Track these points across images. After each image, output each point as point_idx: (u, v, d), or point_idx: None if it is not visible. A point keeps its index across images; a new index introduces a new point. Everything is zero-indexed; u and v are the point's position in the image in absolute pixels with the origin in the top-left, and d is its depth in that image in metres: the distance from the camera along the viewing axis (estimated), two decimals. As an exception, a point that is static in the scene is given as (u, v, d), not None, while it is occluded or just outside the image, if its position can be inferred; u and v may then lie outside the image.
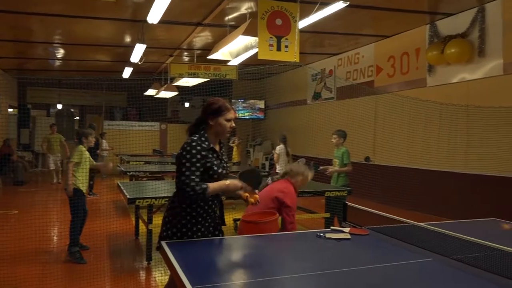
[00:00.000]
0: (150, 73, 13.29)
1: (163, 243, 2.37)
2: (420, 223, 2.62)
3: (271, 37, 4.96)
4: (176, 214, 2.50)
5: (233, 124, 2.60)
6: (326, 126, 9.63)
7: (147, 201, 4.52)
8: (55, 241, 5.79)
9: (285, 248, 2.53)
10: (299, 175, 3.66)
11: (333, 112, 9.83)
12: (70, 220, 4.82)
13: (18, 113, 14.62)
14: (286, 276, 1.96)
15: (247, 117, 15.19)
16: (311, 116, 10.70)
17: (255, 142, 15.14)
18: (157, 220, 3.49)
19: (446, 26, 7.41)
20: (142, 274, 4.48)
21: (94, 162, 5.21)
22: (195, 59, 10.55)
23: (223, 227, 2.70)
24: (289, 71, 12.56)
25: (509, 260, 1.94)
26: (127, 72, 11.56)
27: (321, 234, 2.66)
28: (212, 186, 2.45)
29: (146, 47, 8.00)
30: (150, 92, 12.61)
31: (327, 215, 5.54)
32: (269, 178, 3.98)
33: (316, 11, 5.51)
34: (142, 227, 5.61)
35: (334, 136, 5.97)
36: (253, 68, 9.72)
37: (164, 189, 5.22)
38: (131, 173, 8.15)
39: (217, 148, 2.61)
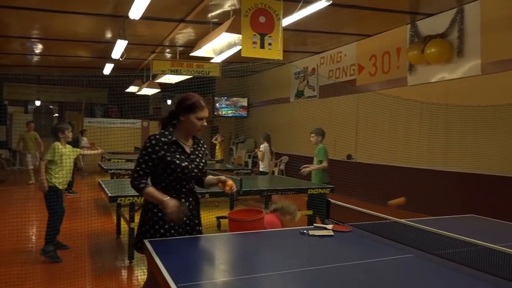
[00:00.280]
0: (132, 70, 13.12)
1: (146, 241, 2.34)
2: (401, 220, 2.66)
3: (254, 35, 4.96)
4: (148, 211, 2.49)
5: (205, 123, 2.53)
6: (309, 124, 9.67)
7: (129, 199, 4.47)
8: (33, 240, 5.66)
9: (269, 245, 2.54)
10: (288, 214, 3.67)
11: (316, 110, 9.89)
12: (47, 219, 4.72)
13: (-6, 109, 14.25)
14: (270, 273, 1.96)
15: (230, 115, 15.16)
16: (294, 114, 10.75)
17: (238, 140, 15.13)
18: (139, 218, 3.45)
19: (426, 26, 7.54)
20: (124, 273, 4.42)
21: (79, 150, 5.09)
22: (177, 56, 10.46)
23: (206, 224, 2.69)
24: (272, 69, 12.59)
25: (488, 255, 1.99)
26: (108, 69, 11.38)
27: (305, 231, 2.68)
28: (151, 191, 2.43)
29: (128, 43, 7.89)
30: (132, 89, 12.46)
31: (310, 212, 5.58)
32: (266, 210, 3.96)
33: (300, 9, 5.52)
34: (123, 226, 5.55)
35: (312, 135, 6.02)
36: (236, 65, 9.70)
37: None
38: (112, 171, 8.04)
39: (189, 143, 2.57)
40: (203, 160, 2.62)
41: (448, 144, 7.00)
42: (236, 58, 7.52)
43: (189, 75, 9.09)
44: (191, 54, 7.14)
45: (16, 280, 3.91)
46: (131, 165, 8.75)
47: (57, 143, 4.79)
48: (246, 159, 13.81)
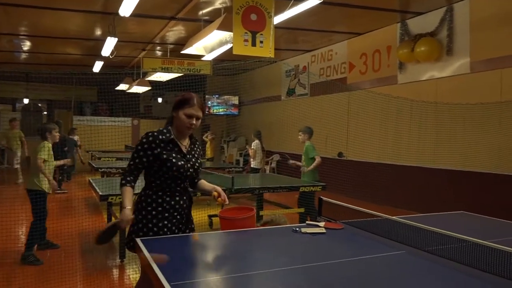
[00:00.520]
0: (122, 68, 13.02)
1: (138, 240, 2.33)
2: (393, 217, 2.69)
3: (246, 32, 4.94)
4: (141, 209, 2.48)
5: (194, 122, 2.47)
6: (300, 122, 9.69)
7: (120, 198, 4.43)
8: (23, 240, 5.59)
9: (261, 243, 2.54)
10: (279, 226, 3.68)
11: (307, 108, 9.92)
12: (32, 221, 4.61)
13: (-18, 107, 14.04)
14: (263, 271, 1.96)
15: (221, 113, 15.12)
16: (285, 112, 10.77)
17: (229, 138, 15.11)
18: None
19: (416, 24, 7.60)
20: (115, 272, 4.40)
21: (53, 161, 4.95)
22: (168, 54, 10.40)
23: (198, 223, 2.69)
24: (264, 67, 12.58)
25: (478, 251, 2.02)
26: (97, 66, 11.27)
27: (297, 229, 2.69)
28: (126, 191, 2.46)
29: (118, 41, 7.82)
30: (122, 87, 12.34)
31: (302, 210, 5.60)
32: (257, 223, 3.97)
33: (291, 7, 5.53)
34: (114, 225, 5.50)
35: (300, 133, 6.05)
36: (227, 63, 9.68)
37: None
38: (102, 169, 7.98)
39: (185, 142, 2.56)
40: (199, 161, 2.62)
41: (438, 141, 7.07)
42: (227, 56, 7.50)
43: (180, 73, 9.03)
44: (182, 52, 7.10)
45: (4, 280, 3.87)
46: (122, 164, 8.72)
47: (46, 142, 4.73)
48: (237, 157, 13.80)
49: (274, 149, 11.76)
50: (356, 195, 7.68)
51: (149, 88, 11.52)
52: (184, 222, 2.58)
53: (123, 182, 2.48)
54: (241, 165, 11.92)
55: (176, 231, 2.52)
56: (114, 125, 14.76)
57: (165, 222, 2.47)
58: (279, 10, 5.55)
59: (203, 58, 7.98)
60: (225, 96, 14.91)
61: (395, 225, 2.57)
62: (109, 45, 8.06)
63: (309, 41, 10.06)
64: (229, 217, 3.12)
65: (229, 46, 5.84)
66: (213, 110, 14.90)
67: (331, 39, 9.70)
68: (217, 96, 14.84)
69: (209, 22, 6.94)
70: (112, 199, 4.46)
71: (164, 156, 2.44)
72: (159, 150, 2.44)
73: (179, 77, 9.70)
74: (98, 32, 9.14)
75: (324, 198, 3.16)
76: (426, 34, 7.27)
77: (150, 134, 2.47)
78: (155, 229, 2.45)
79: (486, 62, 6.39)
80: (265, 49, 5.04)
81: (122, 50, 10.37)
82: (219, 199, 2.59)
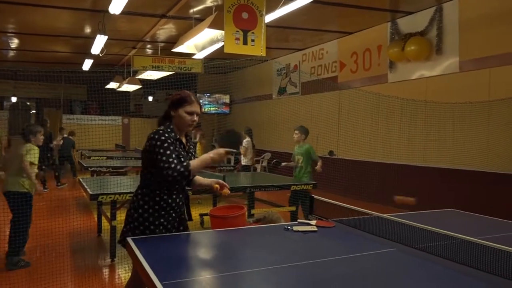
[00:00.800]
0: (112, 66, 12.89)
1: (129, 239, 2.31)
2: (384, 215, 2.70)
3: (237, 31, 4.93)
4: (138, 207, 2.46)
5: (195, 118, 2.52)
6: (291, 120, 9.72)
7: (110, 197, 4.40)
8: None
9: (253, 241, 2.54)
10: (272, 223, 3.67)
11: (298, 106, 9.94)
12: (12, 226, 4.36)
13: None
14: (254, 270, 1.96)
15: (213, 112, 15.09)
16: (277, 110, 10.77)
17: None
18: (121, 216, 3.41)
19: (407, 24, 7.65)
20: (106, 272, 4.37)
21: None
22: (159, 52, 10.33)
23: (189, 222, 2.68)
24: (255, 65, 12.57)
25: (467, 248, 2.04)
26: (87, 64, 11.17)
27: (288, 227, 2.69)
28: (195, 162, 2.42)
29: (108, 39, 7.75)
30: (112, 85, 12.24)
31: (293, 208, 5.61)
32: (249, 219, 3.96)
33: (282, 5, 5.53)
34: (105, 224, 5.47)
35: (296, 132, 5.92)
36: (219, 62, 9.65)
37: (128, 184, 5.10)
38: (92, 168, 7.91)
39: (183, 140, 2.57)
40: (195, 158, 2.64)
41: (427, 140, 7.14)
42: (218, 55, 7.49)
43: (170, 71, 8.99)
44: (173, 50, 7.06)
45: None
46: (112, 163, 8.65)
47: (32, 144, 4.52)
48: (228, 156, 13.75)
49: (265, 147, 11.77)
50: (347, 194, 7.72)
51: (140, 86, 11.45)
52: (178, 220, 2.58)
53: (185, 163, 2.38)
54: (232, 164, 11.90)
55: (172, 229, 2.53)
56: (104, 124, 14.64)
57: (162, 220, 2.47)
58: (270, 9, 5.55)
59: (194, 57, 7.94)
60: (216, 95, 14.88)
61: (386, 223, 2.59)
62: (99, 43, 7.99)
63: (300, 40, 10.08)
64: (220, 215, 3.11)
65: (220, 44, 5.82)
66: (204, 109, 14.85)
67: (322, 38, 9.73)
68: (208, 94, 14.80)
69: (200, 20, 6.91)
70: (102, 198, 4.42)
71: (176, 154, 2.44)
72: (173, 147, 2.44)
73: (169, 75, 9.65)
74: (88, 29, 9.05)
75: (316, 197, 3.17)
76: (416, 33, 7.33)
77: (161, 132, 2.43)
78: (151, 227, 2.44)
79: (475, 62, 6.46)
80: (257, 48, 5.03)
81: (112, 48, 10.28)
82: (224, 190, 2.59)
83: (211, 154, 2.50)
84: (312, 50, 10.57)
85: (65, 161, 10.86)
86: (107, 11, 6.06)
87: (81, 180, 5.48)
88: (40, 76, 13.96)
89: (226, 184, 2.70)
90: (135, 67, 8.94)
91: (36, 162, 4.52)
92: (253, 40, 4.99)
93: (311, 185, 5.56)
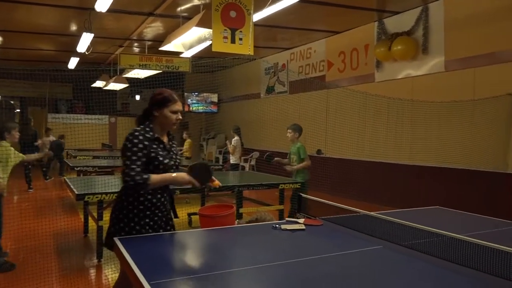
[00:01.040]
0: (98, 64, 12.75)
1: (116, 239, 2.29)
2: (371, 213, 2.73)
3: (225, 29, 4.92)
4: (122, 208, 2.44)
5: (180, 117, 2.54)
6: (279, 119, 9.75)
7: (97, 197, 4.36)
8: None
9: (241, 240, 2.54)
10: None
11: (286, 105, 9.96)
12: None
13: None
14: (243, 268, 1.96)
15: (200, 111, 15.03)
16: (265, 109, 10.78)
17: (209, 136, 15.03)
18: (108, 216, 3.37)
19: (393, 23, 7.72)
20: (93, 272, 4.32)
21: (22, 155, 4.64)
22: (146, 50, 10.25)
23: (177, 221, 2.67)
24: (243, 64, 12.55)
25: (453, 245, 2.07)
26: (73, 63, 11.02)
27: (277, 225, 2.70)
28: (156, 177, 2.39)
29: (94, 37, 7.66)
30: (98, 83, 12.12)
31: (281, 207, 5.62)
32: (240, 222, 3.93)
33: (270, 4, 5.53)
34: (91, 224, 5.41)
35: (289, 130, 5.69)
36: (206, 60, 9.61)
37: (115, 184, 5.04)
38: (78, 168, 7.82)
39: (165, 139, 2.56)
40: (178, 157, 2.64)
41: (414, 138, 7.22)
42: (206, 53, 7.45)
43: (158, 70, 8.93)
44: (160, 49, 7.01)
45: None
46: (98, 162, 8.56)
47: (4, 142, 4.41)
48: (217, 155, 13.74)
49: (253, 146, 11.77)
50: (334, 192, 7.76)
51: (127, 85, 11.35)
52: (164, 219, 2.57)
53: (146, 176, 2.34)
54: (220, 163, 11.88)
55: (158, 228, 2.51)
56: (90, 123, 14.47)
57: (147, 220, 2.45)
58: (258, 8, 5.55)
59: (181, 55, 7.90)
60: (204, 94, 14.82)
61: (373, 221, 2.61)
62: (85, 41, 7.89)
63: (288, 39, 10.10)
64: (209, 214, 3.11)
65: (208, 43, 5.80)
66: (192, 108, 14.79)
67: (309, 37, 9.76)
68: (196, 93, 14.73)
69: (187, 18, 6.88)
70: (89, 198, 4.37)
71: (153, 154, 2.43)
72: (148, 148, 2.42)
73: (157, 74, 9.59)
74: (74, 27, 8.93)
75: (304, 195, 3.18)
76: (403, 33, 7.40)
77: (137, 133, 2.43)
78: (137, 227, 2.43)
79: (460, 61, 6.56)
80: (245, 46, 5.03)
81: (99, 46, 10.15)
82: (214, 183, 2.57)
83: (174, 174, 2.45)
84: (300, 49, 10.60)
85: (55, 158, 10.93)
86: (93, 9, 6.00)
87: (67, 180, 5.41)
88: (24, 75, 13.72)
89: (215, 179, 2.65)
90: (122, 65, 8.87)
91: (9, 164, 4.38)
92: (241, 39, 4.99)
93: (299, 184, 5.54)
